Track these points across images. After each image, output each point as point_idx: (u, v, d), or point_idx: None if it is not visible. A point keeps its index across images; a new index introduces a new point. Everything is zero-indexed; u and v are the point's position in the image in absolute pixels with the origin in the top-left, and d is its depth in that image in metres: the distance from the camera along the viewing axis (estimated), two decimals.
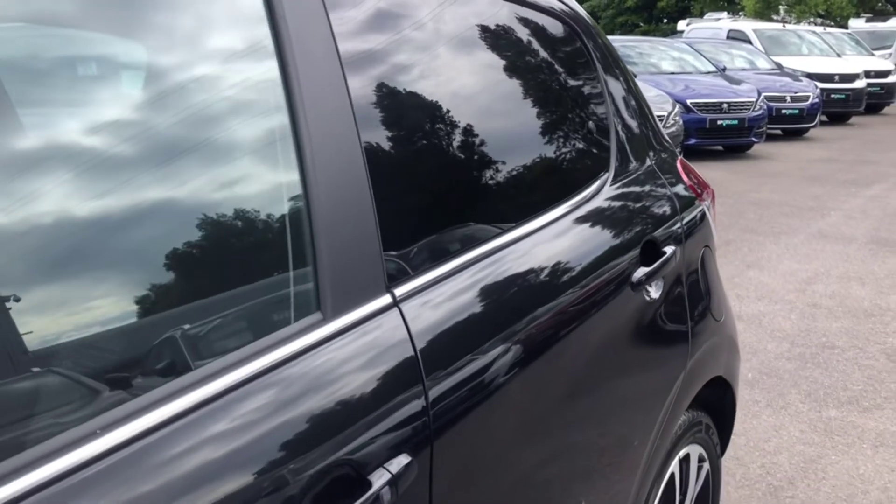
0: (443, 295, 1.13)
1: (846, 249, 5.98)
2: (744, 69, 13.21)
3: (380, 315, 1.02)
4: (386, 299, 1.04)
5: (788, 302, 4.76)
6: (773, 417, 3.27)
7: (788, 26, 18.73)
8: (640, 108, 1.93)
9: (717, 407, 2.06)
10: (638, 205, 1.75)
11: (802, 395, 3.49)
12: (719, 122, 10.51)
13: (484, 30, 1.45)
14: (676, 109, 9.20)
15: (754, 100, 10.75)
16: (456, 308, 1.14)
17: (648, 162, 1.87)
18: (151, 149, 0.89)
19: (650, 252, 1.66)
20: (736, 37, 15.82)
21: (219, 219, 0.93)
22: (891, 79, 16.41)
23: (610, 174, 1.69)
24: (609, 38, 2.11)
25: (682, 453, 1.85)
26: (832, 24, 23.35)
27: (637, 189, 1.78)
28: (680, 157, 2.10)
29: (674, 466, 1.82)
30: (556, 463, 1.37)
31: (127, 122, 0.89)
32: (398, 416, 0.99)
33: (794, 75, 13.43)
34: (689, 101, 10.38)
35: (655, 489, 1.73)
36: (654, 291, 1.65)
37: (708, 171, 7.80)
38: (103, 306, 0.82)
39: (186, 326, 0.87)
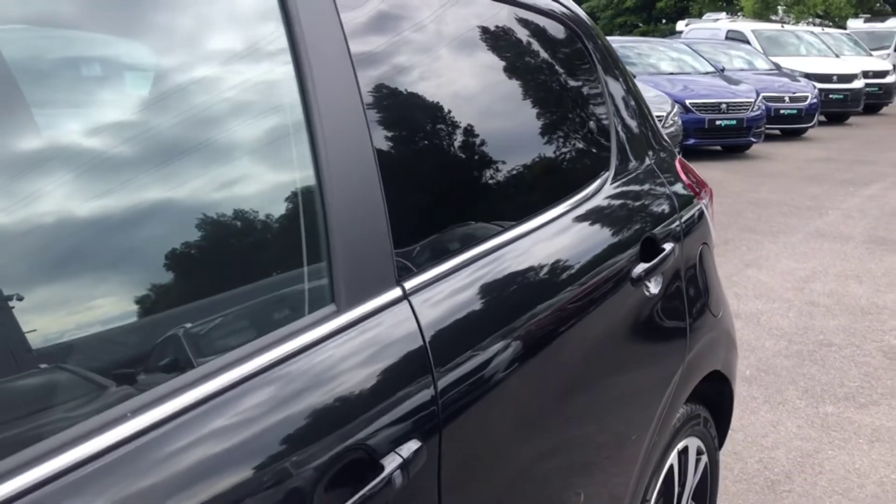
0: (450, 289, 1.17)
1: (844, 248, 6.03)
2: (742, 69, 13.25)
3: (391, 307, 1.06)
4: (396, 292, 1.08)
5: (786, 300, 4.80)
6: (770, 413, 3.32)
7: (787, 27, 18.76)
8: (640, 108, 1.97)
9: (715, 401, 2.10)
10: (638, 203, 1.80)
11: (800, 391, 3.54)
12: (718, 123, 10.54)
13: (488, 33, 1.50)
14: (675, 110, 9.23)
15: (753, 100, 10.79)
16: (463, 302, 1.19)
17: (648, 161, 1.91)
18: (174, 147, 0.92)
19: (650, 249, 1.70)
20: (734, 37, 15.86)
21: (238, 216, 0.97)
22: (889, 79, 16.45)
23: (610, 173, 1.73)
24: (608, 38, 2.15)
25: (680, 446, 1.89)
26: (830, 24, 23.39)
27: (637, 188, 1.82)
28: (678, 156, 2.14)
29: (672, 459, 1.86)
30: (564, 449, 1.42)
31: (153, 121, 0.92)
32: (410, 404, 1.03)
33: (792, 76, 13.46)
34: (687, 102, 10.42)
35: (655, 481, 1.77)
36: (654, 287, 1.69)
37: (707, 170, 7.84)
38: (124, 302, 0.85)
39: (210, 318, 0.92)
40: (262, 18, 1.06)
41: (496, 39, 1.52)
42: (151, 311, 0.88)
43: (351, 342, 1.00)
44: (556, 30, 1.72)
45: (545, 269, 1.40)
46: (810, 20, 24.63)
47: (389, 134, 1.18)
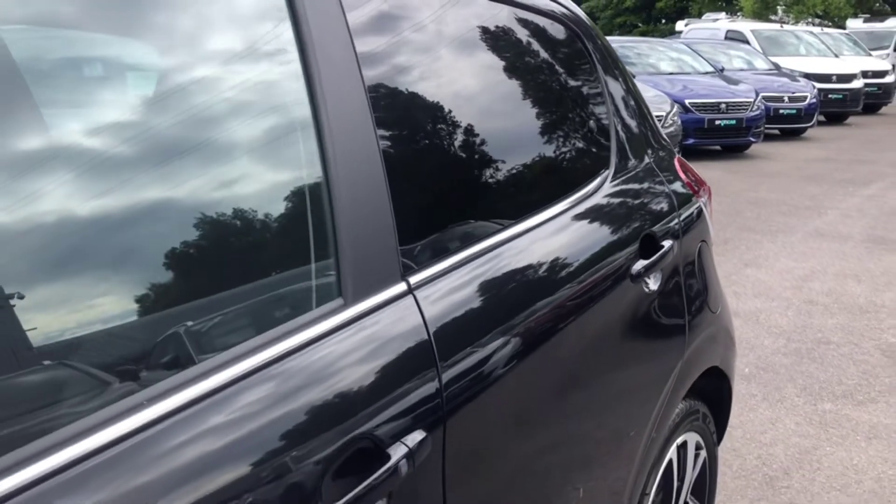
0: (454, 285, 1.20)
1: (843, 247, 6.05)
2: (742, 69, 13.27)
3: (396, 301, 1.09)
4: (402, 287, 1.10)
5: (785, 299, 4.83)
6: (769, 410, 3.34)
7: (786, 27, 18.78)
8: (639, 107, 1.99)
9: (713, 397, 2.13)
10: (637, 201, 1.82)
11: (798, 389, 3.56)
12: (717, 122, 10.57)
13: (489, 33, 1.52)
14: (675, 109, 9.26)
15: (752, 100, 10.81)
16: (466, 297, 1.21)
17: (647, 160, 1.94)
18: (181, 145, 0.95)
19: (649, 246, 1.73)
20: (734, 37, 15.88)
21: (248, 213, 0.99)
22: (888, 79, 16.48)
23: (610, 171, 1.76)
24: (608, 38, 2.17)
25: (679, 441, 1.92)
26: (830, 24, 23.41)
27: (636, 186, 1.84)
28: (678, 155, 2.16)
29: (672, 453, 1.88)
30: (564, 444, 1.44)
31: (163, 120, 0.94)
32: (415, 396, 1.05)
33: (791, 75, 13.49)
34: (687, 102, 10.44)
35: (654, 475, 1.80)
36: (653, 283, 1.72)
37: (706, 170, 7.86)
38: (133, 300, 0.87)
39: (220, 312, 0.94)
40: (269, 18, 1.08)
41: (497, 39, 1.55)
42: (161, 307, 0.90)
43: (358, 334, 1.02)
44: (557, 30, 1.75)
45: (546, 266, 1.42)
46: (809, 20, 24.66)
47: (394, 133, 1.20)
